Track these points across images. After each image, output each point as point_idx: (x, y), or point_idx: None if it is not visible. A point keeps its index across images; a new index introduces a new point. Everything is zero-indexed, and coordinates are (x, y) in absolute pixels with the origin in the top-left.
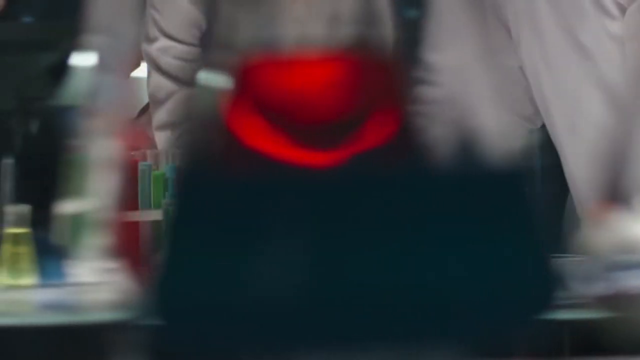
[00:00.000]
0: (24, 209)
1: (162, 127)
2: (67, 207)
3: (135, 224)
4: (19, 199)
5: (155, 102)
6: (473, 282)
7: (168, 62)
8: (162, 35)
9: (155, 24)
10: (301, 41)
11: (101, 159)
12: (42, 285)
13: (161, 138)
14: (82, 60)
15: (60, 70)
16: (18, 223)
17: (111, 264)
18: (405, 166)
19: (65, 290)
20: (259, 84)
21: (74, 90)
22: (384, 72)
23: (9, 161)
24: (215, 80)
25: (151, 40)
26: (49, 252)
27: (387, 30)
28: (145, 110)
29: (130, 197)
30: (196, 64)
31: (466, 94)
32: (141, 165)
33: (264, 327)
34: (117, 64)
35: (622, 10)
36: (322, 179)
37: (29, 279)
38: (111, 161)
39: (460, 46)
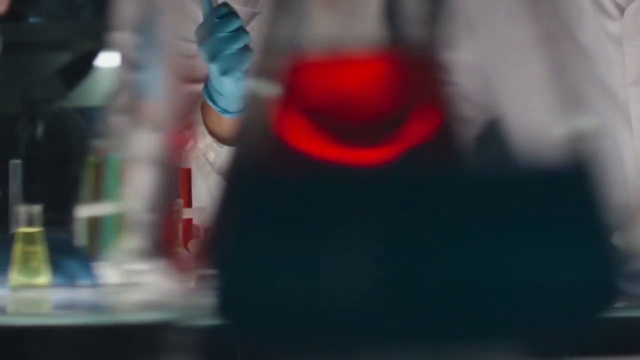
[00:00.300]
0: (36, 208)
1: (119, 112)
2: (91, 209)
3: (187, 221)
4: (29, 199)
5: (119, 87)
6: (534, 281)
7: (126, 51)
8: (122, 27)
9: (119, 15)
10: (343, 41)
11: (140, 156)
12: (66, 286)
13: (120, 121)
14: (103, 60)
15: (76, 71)
16: (30, 222)
17: (144, 265)
18: (453, 163)
19: (92, 290)
20: (304, 85)
21: (96, 90)
22: (424, 70)
23: (17, 161)
24: (263, 85)
25: (114, 29)
26: (70, 252)
27: (425, 28)
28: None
29: (181, 195)
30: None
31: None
32: (108, 158)
33: (323, 326)
34: (158, 61)
35: (621, 10)
36: (372, 177)
37: (41, 278)
38: (152, 158)
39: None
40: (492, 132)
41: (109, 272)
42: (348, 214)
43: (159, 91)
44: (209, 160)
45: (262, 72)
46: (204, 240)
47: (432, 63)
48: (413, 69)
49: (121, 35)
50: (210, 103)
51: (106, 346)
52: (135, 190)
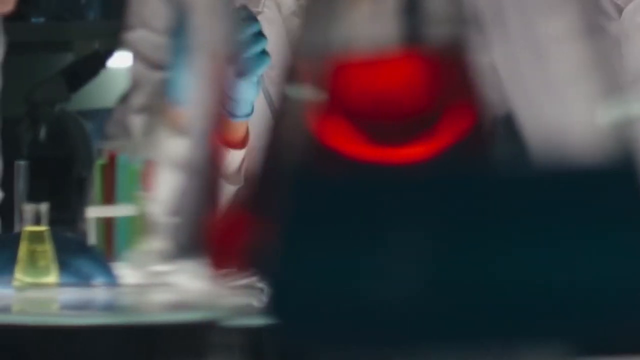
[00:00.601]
0: (43, 207)
1: (139, 111)
2: (102, 210)
3: (235, 221)
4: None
5: (134, 86)
6: (585, 279)
7: (145, 48)
8: (139, 25)
9: (134, 14)
10: (377, 41)
11: (167, 159)
12: (86, 286)
13: (137, 122)
14: (109, 61)
15: (80, 72)
16: (36, 221)
17: (168, 267)
18: (491, 160)
19: (112, 291)
20: (340, 86)
21: (102, 92)
22: (458, 68)
23: (22, 162)
24: (301, 90)
25: (130, 28)
26: (81, 252)
27: (460, 27)
28: (124, 98)
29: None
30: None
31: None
32: (121, 159)
33: (378, 326)
34: (189, 62)
35: (619, 10)
36: (413, 175)
37: (49, 278)
38: (182, 162)
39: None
40: (529, 127)
41: (128, 273)
42: (394, 213)
43: (189, 94)
44: (165, 152)
45: (298, 75)
46: (251, 242)
47: (466, 61)
48: (448, 68)
49: (138, 33)
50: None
51: (146, 346)
52: (158, 193)
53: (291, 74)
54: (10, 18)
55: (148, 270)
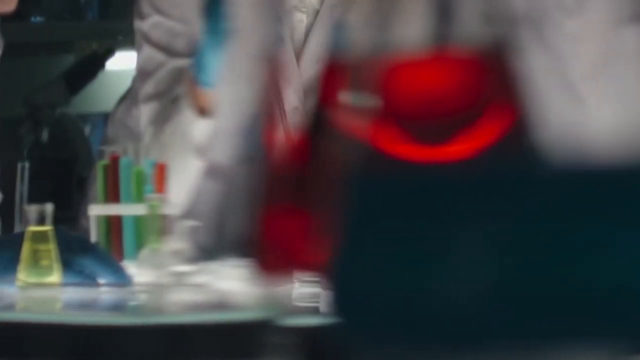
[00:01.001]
0: (46, 207)
1: (149, 98)
2: (106, 209)
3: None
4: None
5: (143, 74)
6: (629, 279)
7: (158, 35)
8: (154, 12)
9: (148, 2)
10: (420, 41)
11: (190, 145)
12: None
13: (147, 111)
14: (110, 63)
15: (81, 74)
16: (40, 221)
17: (189, 267)
18: (534, 159)
19: (124, 291)
20: (384, 87)
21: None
22: (499, 67)
23: (24, 164)
24: (358, 96)
25: (144, 17)
26: (86, 251)
27: (500, 27)
28: (123, 99)
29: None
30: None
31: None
32: (122, 161)
33: (436, 327)
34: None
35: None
36: (465, 173)
37: (52, 277)
38: (201, 146)
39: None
40: (559, 125)
41: (139, 273)
42: (450, 212)
43: (220, 78)
44: (189, 135)
45: (355, 78)
46: (307, 241)
47: (506, 60)
48: (488, 67)
49: (153, 20)
50: (195, 72)
51: (198, 346)
52: (176, 190)
53: (349, 78)
54: (9, 18)
55: (165, 271)
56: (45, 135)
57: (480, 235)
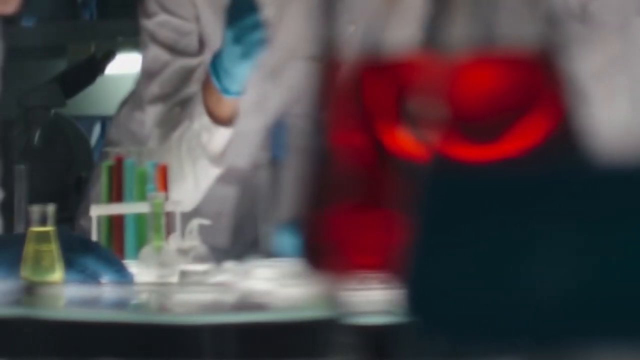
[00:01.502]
0: (49, 207)
1: (154, 100)
2: (108, 209)
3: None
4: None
5: (149, 75)
6: None
7: (164, 34)
8: (161, 10)
9: (156, 1)
10: (467, 41)
11: (205, 150)
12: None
13: (152, 113)
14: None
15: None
16: (42, 221)
17: (200, 266)
18: (579, 159)
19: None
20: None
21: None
22: (545, 67)
23: (22, 167)
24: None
25: (150, 15)
26: (88, 250)
27: (548, 27)
28: (126, 102)
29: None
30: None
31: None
32: (127, 162)
33: (507, 325)
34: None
35: None
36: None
37: (54, 277)
38: (217, 153)
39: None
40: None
41: (142, 271)
42: (517, 210)
43: (245, 84)
44: (202, 142)
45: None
46: (375, 240)
47: (553, 60)
48: (535, 67)
49: (160, 19)
50: (214, 80)
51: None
52: (184, 195)
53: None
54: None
55: (168, 269)
56: (38, 136)
57: (548, 234)
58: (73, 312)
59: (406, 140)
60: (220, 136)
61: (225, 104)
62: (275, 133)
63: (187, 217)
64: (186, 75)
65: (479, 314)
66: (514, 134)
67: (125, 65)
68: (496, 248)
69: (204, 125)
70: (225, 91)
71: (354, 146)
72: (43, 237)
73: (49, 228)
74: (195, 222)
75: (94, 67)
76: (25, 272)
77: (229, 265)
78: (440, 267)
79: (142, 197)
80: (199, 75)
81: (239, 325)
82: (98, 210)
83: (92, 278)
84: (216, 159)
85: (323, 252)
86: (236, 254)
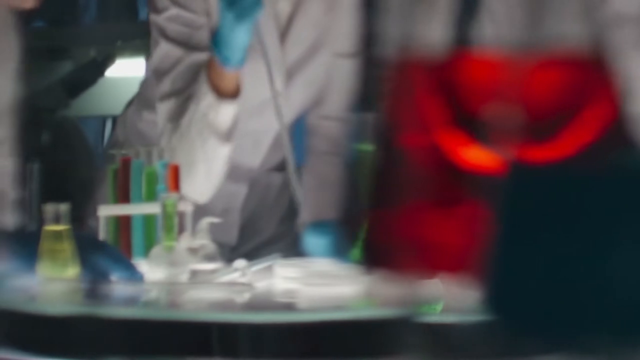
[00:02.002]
0: (63, 206)
1: (166, 97)
2: (116, 209)
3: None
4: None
5: (160, 73)
6: None
7: (176, 29)
8: (172, 4)
9: None
10: (522, 43)
11: (214, 129)
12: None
13: (163, 110)
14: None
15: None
16: (57, 220)
17: (212, 265)
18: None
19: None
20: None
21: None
22: (597, 68)
23: (34, 165)
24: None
25: (160, 10)
26: (98, 249)
27: (599, 28)
28: (131, 103)
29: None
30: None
31: None
32: (134, 163)
33: (601, 322)
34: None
35: None
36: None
37: (69, 274)
38: (224, 129)
39: None
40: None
41: (151, 270)
42: (594, 209)
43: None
44: (209, 120)
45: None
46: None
47: (604, 61)
48: (586, 68)
49: (170, 13)
50: (215, 52)
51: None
52: (200, 178)
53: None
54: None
55: (180, 268)
56: (45, 137)
57: (627, 232)
58: (135, 311)
59: (476, 143)
60: (226, 111)
61: (228, 76)
62: (295, 135)
63: (198, 211)
64: (198, 70)
65: (558, 312)
66: (570, 132)
67: (125, 69)
68: (575, 247)
69: (209, 104)
70: (226, 61)
71: (423, 147)
72: (57, 236)
73: (63, 227)
74: (205, 221)
75: (96, 69)
76: (41, 269)
77: (240, 263)
78: (520, 266)
79: (152, 197)
80: None
81: (305, 325)
82: (105, 211)
83: (103, 276)
84: (225, 136)
85: (390, 252)
86: (245, 252)
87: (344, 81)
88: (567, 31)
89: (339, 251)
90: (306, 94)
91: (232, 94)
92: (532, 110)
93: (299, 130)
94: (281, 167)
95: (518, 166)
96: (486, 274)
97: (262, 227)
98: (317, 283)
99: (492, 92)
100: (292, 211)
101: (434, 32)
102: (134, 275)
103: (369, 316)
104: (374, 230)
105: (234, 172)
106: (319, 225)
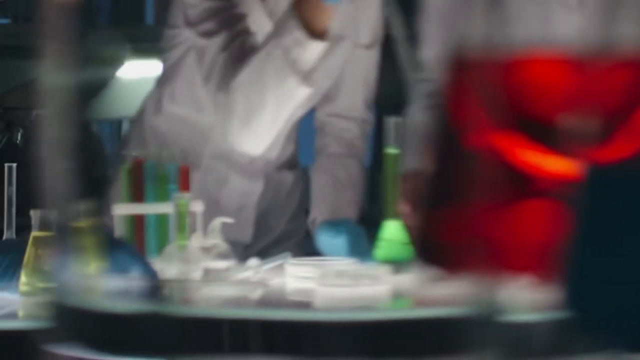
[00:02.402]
0: (49, 213)
1: (213, 33)
2: (128, 209)
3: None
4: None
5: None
6: None
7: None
8: None
9: None
10: (576, 42)
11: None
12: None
13: (212, 45)
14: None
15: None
16: (42, 226)
17: (224, 263)
18: None
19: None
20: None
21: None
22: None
23: (13, 165)
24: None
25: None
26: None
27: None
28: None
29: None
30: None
31: None
32: (147, 164)
33: None
34: None
35: None
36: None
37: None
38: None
39: None
40: None
41: (164, 268)
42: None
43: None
44: (291, 58)
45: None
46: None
47: None
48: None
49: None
50: None
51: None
52: (271, 117)
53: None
54: None
55: (193, 267)
56: (18, 136)
57: None
58: (210, 309)
59: (548, 146)
60: (313, 51)
61: (325, 11)
62: (301, 134)
63: (212, 208)
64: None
65: (636, 311)
66: (626, 132)
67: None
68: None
69: (295, 40)
70: None
71: (492, 147)
72: (44, 242)
73: (47, 233)
74: (217, 221)
75: (107, 72)
76: (26, 277)
77: (253, 262)
78: (598, 265)
79: (164, 197)
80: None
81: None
82: (121, 209)
83: (121, 273)
84: (306, 77)
85: (457, 251)
86: (257, 250)
87: (361, 77)
88: (625, 31)
89: (357, 251)
90: (323, 85)
91: (322, 33)
92: (600, 111)
93: (306, 128)
94: (292, 165)
95: (595, 168)
96: (563, 273)
97: (272, 225)
98: (347, 284)
99: (566, 94)
100: (301, 209)
101: (505, 31)
102: (149, 273)
103: (444, 315)
104: (435, 230)
105: (250, 169)
106: (332, 225)
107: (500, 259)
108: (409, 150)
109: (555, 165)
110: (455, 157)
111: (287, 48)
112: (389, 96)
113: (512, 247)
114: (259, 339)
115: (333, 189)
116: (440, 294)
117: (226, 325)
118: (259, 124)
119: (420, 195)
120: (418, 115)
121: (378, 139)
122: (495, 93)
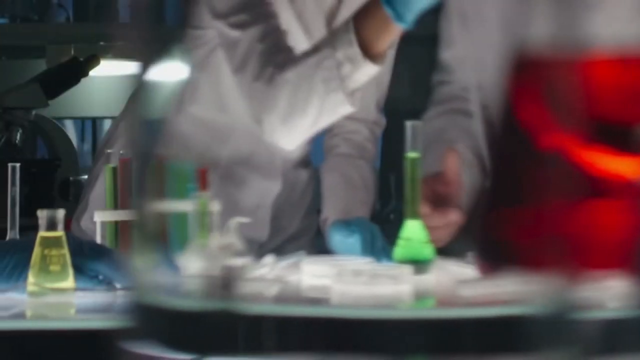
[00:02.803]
0: (57, 212)
1: (248, 24)
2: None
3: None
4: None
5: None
6: None
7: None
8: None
9: None
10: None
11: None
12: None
13: (247, 37)
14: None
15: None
16: (50, 226)
17: (238, 261)
18: None
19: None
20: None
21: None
22: None
23: (16, 165)
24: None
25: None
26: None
27: None
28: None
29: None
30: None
31: None
32: (170, 163)
33: None
34: None
35: None
36: None
37: (64, 283)
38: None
39: None
40: None
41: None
42: None
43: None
44: (342, 73)
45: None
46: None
47: None
48: None
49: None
50: (385, 6)
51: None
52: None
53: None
54: None
55: (214, 265)
56: (18, 136)
57: None
58: (275, 307)
59: (616, 147)
60: (365, 72)
61: (389, 33)
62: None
63: (230, 208)
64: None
65: None
66: None
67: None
68: None
69: (349, 56)
70: (399, 18)
71: (566, 147)
72: (51, 242)
73: (57, 233)
74: (234, 221)
75: (77, 69)
76: (34, 277)
77: (268, 259)
78: None
79: (184, 196)
80: None
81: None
82: (104, 216)
83: (106, 284)
84: (351, 97)
85: (530, 251)
86: (272, 247)
87: (373, 79)
88: None
89: (373, 250)
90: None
91: (380, 56)
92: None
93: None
94: (306, 162)
95: None
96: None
97: (286, 223)
98: (371, 282)
99: (637, 95)
100: (313, 207)
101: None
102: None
103: (515, 313)
104: (502, 229)
105: (269, 168)
106: (345, 224)
107: (579, 257)
108: (428, 152)
109: (627, 166)
110: (525, 159)
111: (339, 62)
112: (405, 99)
113: (591, 245)
114: (335, 337)
115: (344, 188)
116: (480, 294)
117: (301, 323)
118: (298, 126)
119: (483, 197)
120: (437, 118)
121: (392, 140)
122: (565, 94)
